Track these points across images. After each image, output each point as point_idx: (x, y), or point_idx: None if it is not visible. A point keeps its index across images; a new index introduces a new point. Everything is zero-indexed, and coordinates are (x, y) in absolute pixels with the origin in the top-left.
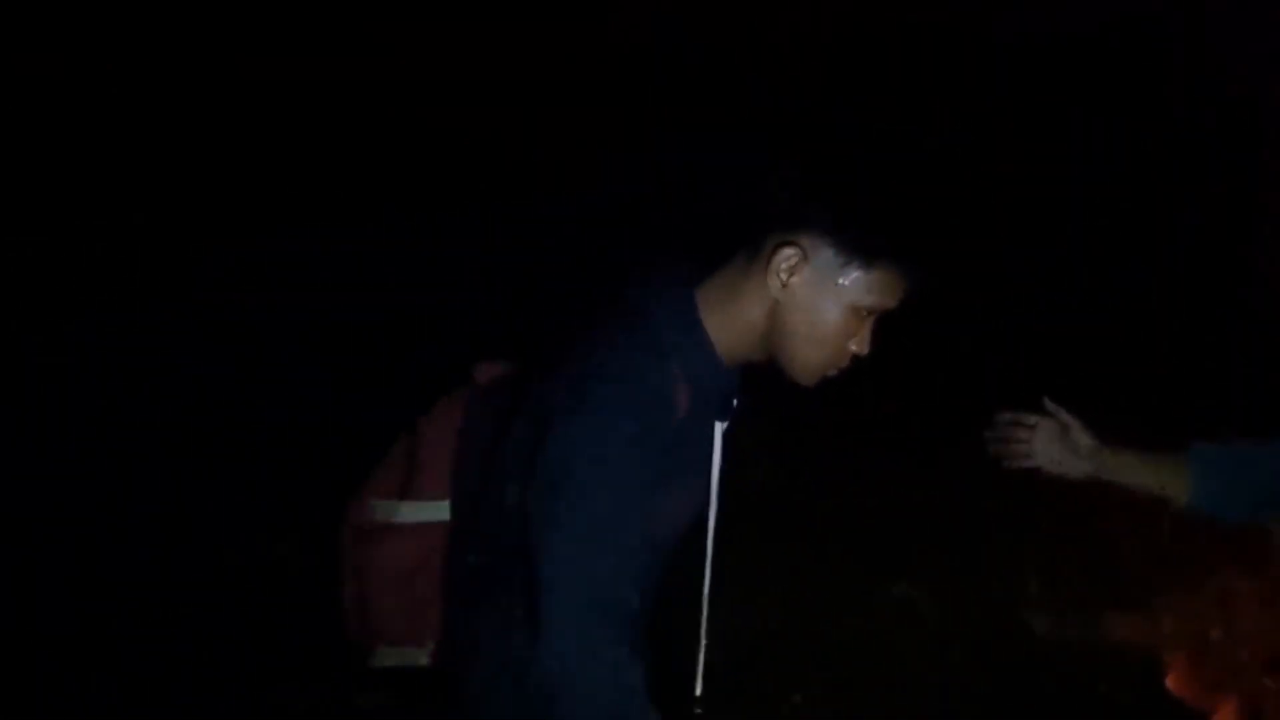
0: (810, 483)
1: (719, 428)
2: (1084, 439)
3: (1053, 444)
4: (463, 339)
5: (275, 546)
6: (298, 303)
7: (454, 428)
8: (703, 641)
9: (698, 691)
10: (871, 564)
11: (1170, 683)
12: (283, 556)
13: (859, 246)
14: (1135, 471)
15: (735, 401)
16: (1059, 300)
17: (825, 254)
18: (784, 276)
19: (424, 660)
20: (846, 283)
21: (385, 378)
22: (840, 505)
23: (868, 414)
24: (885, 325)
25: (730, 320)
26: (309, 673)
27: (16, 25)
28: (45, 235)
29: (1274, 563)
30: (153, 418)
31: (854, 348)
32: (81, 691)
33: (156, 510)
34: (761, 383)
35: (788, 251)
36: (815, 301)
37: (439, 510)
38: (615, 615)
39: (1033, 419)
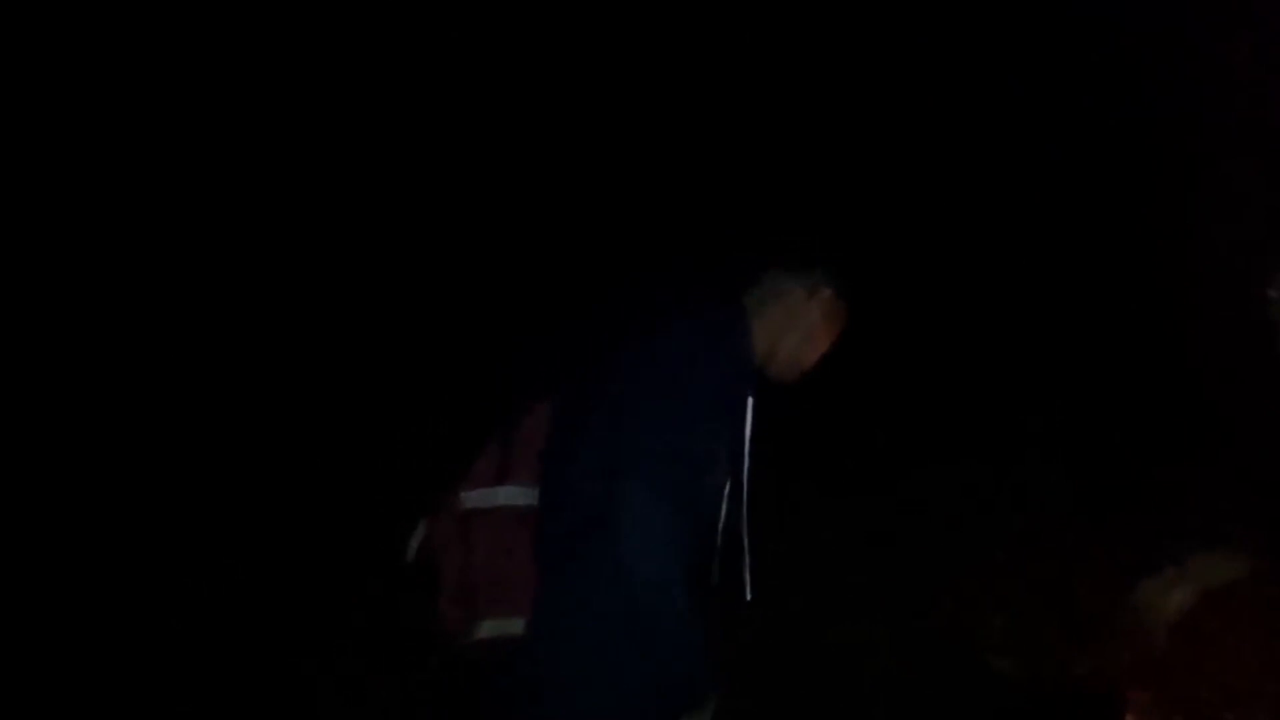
0: (772, 514)
1: (749, 401)
2: None
3: None
4: (463, 340)
5: (274, 546)
6: (298, 302)
7: (545, 425)
8: (747, 560)
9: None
10: (831, 601)
11: (1131, 718)
12: (282, 556)
13: (849, 293)
14: None
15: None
16: (1057, 301)
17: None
18: (820, 309)
19: (519, 630)
20: (839, 311)
21: (385, 378)
22: (801, 539)
23: (831, 443)
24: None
25: (759, 330)
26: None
27: (16, 25)
28: (45, 235)
29: (1232, 597)
30: (153, 417)
31: None
32: (81, 691)
33: (156, 510)
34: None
35: (829, 293)
36: (824, 323)
37: (531, 495)
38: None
39: None
